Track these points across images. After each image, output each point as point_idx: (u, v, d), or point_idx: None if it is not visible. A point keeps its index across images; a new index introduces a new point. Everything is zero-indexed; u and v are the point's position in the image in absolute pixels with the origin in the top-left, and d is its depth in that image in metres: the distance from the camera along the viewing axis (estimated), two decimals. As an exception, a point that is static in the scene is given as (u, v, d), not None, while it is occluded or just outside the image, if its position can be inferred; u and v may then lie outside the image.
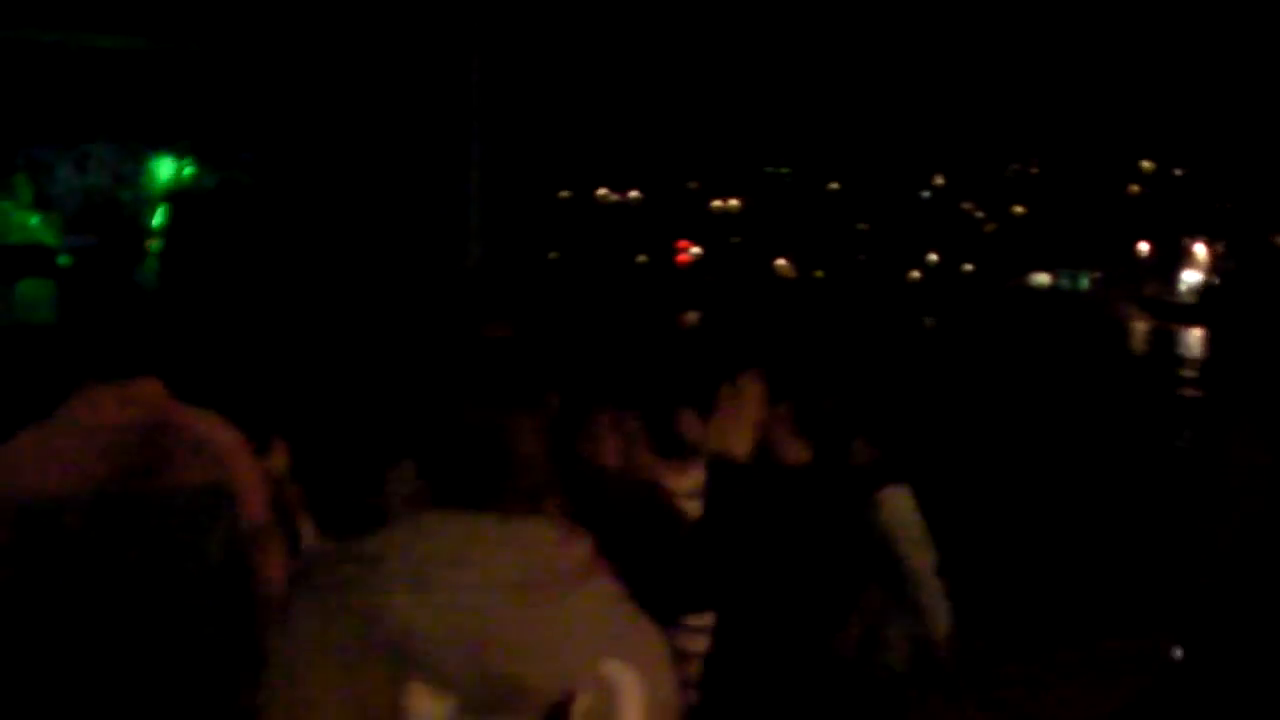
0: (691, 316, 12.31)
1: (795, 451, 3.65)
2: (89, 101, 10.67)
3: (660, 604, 1.91)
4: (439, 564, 1.83)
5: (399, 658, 1.77)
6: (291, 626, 1.96)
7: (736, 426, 2.91)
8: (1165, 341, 28.76)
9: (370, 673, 1.81)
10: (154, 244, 9.90)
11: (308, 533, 2.51)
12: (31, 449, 3.12)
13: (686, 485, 4.14)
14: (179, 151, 10.40)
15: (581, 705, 1.89)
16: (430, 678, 1.75)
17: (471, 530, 1.89)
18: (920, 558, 3.59)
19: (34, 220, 10.60)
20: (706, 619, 2.91)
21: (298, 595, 2.05)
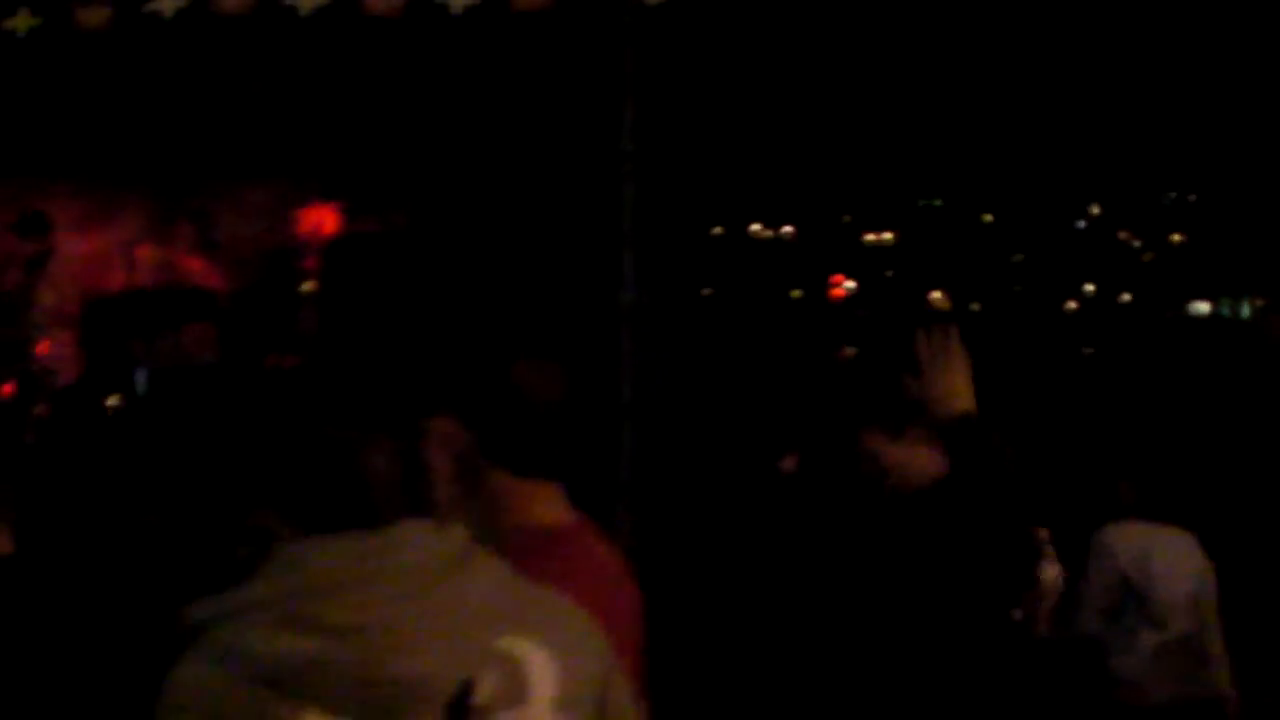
0: (848, 351, 12.22)
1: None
2: (250, 147, 10.93)
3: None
4: (311, 595, 1.89)
5: (285, 693, 1.81)
6: (174, 680, 2.00)
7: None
8: (1333, 370, 27.94)
9: (261, 710, 1.86)
10: (309, 288, 10.08)
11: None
12: None
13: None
14: (336, 197, 10.58)
15: (485, 688, 1.87)
16: (321, 703, 1.80)
17: (341, 549, 1.94)
18: None
19: (197, 265, 10.85)
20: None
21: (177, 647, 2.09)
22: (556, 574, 2.53)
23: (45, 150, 11.78)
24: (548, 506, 2.82)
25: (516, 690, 1.95)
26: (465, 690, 1.88)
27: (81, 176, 12.40)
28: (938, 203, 15.21)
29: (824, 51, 9.08)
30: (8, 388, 9.64)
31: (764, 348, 10.98)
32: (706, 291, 11.62)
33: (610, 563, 2.91)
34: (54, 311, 10.50)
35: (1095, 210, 14.05)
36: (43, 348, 10.31)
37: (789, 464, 5.42)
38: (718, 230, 12.07)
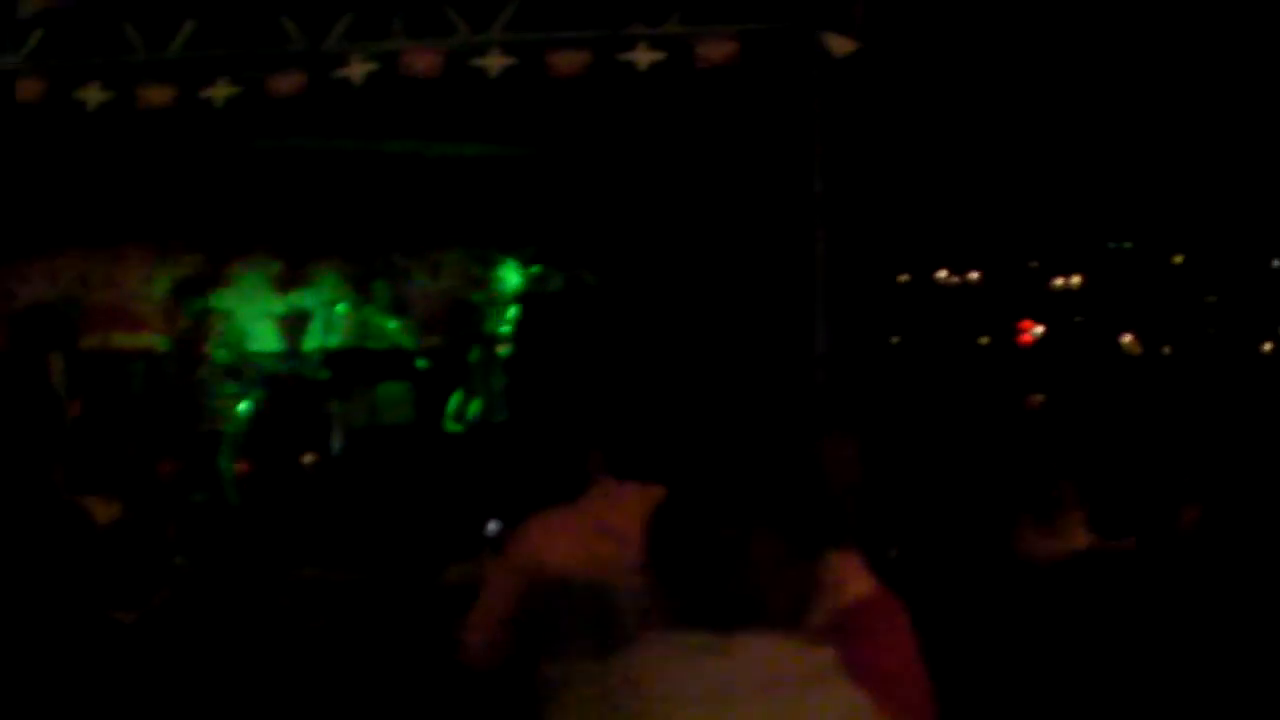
0: (1037, 398, 12.04)
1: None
2: (442, 208, 11.13)
3: None
4: (678, 685, 1.89)
5: None
6: None
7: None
8: None
9: None
10: (503, 349, 10.19)
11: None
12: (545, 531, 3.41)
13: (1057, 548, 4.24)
14: (526, 254, 10.70)
15: None
16: None
17: (704, 648, 1.94)
18: None
19: (392, 325, 11.03)
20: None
21: (556, 697, 2.14)
22: (881, 648, 2.51)
23: (245, 216, 12.10)
24: (856, 577, 2.75)
25: None
26: None
27: (280, 241, 12.70)
28: (1127, 245, 14.88)
29: (1010, 96, 8.98)
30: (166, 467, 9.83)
31: (953, 394, 10.83)
32: (895, 339, 11.51)
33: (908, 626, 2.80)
34: (223, 368, 10.73)
35: (1292, 249, 13.61)
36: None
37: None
38: (904, 278, 11.97)
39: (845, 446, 2.82)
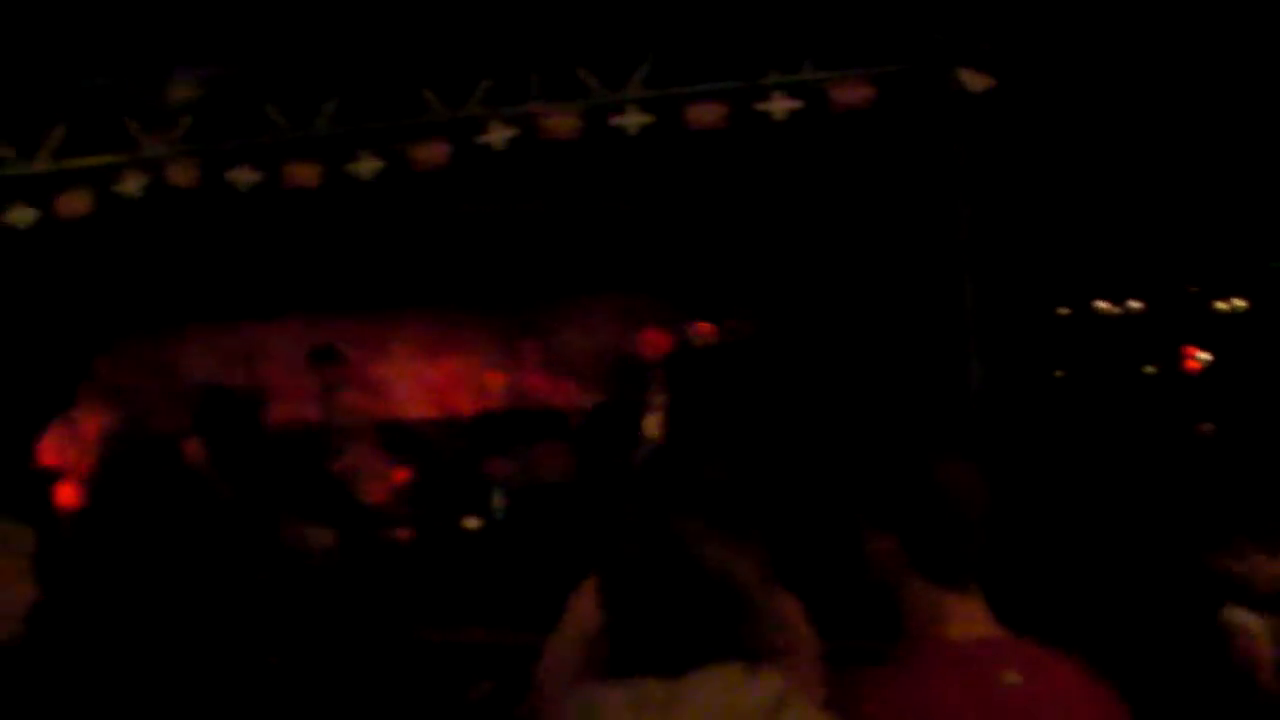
0: (1206, 426, 11.72)
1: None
2: (587, 265, 11.19)
3: None
4: None
5: None
6: None
7: None
8: None
9: None
10: (657, 400, 10.20)
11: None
12: None
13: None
14: (676, 307, 10.73)
15: None
16: None
17: (631, 698, 1.89)
18: None
19: (543, 383, 11.11)
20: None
21: None
22: (954, 698, 2.43)
23: (395, 281, 12.26)
24: (966, 620, 2.66)
25: None
26: None
27: (430, 304, 12.84)
28: (1291, 264, 14.47)
29: (1157, 117, 8.79)
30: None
31: (1121, 427, 10.60)
32: (1058, 373, 11.29)
33: (1035, 691, 2.67)
34: (355, 435, 10.83)
35: None
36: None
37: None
38: (1064, 311, 11.74)
39: (965, 474, 2.72)
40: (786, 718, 1.95)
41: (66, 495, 10.70)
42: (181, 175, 8.46)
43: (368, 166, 8.36)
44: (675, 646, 1.99)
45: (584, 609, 3.89)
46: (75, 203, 8.51)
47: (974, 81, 7.30)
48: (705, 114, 7.75)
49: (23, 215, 8.64)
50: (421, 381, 12.87)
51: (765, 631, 2.09)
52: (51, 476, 10.77)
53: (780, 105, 7.59)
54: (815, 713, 2.01)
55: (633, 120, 7.83)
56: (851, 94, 7.53)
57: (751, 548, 2.12)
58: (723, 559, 2.05)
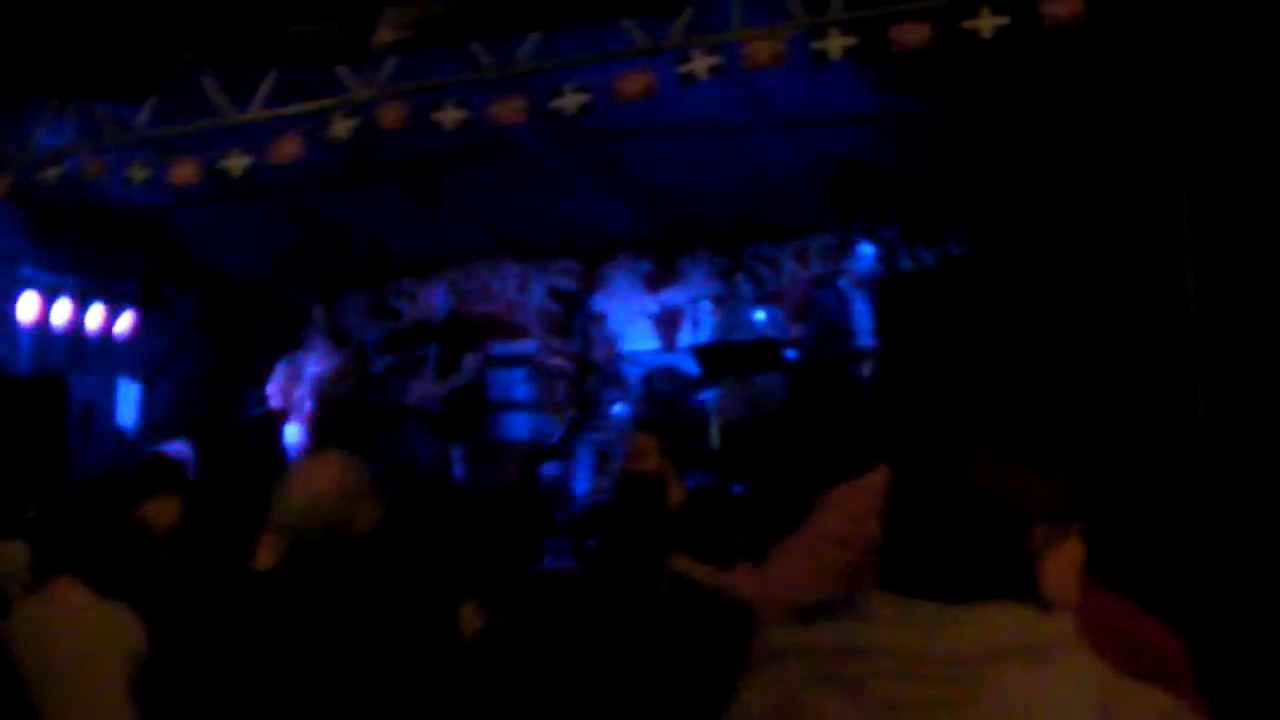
0: None
1: None
2: (808, 194, 11.03)
3: None
4: (863, 656, 1.78)
5: None
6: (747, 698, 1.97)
7: None
8: None
9: None
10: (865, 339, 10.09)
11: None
12: None
13: None
14: (888, 235, 10.49)
15: None
16: None
17: (913, 617, 1.80)
18: None
19: (760, 315, 10.99)
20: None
21: (762, 668, 2.01)
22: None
23: (612, 218, 12.28)
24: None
25: None
26: None
27: (647, 239, 12.85)
28: None
29: None
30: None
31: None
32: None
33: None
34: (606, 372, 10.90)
35: None
36: None
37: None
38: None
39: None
40: (1071, 662, 1.87)
41: (292, 434, 10.99)
42: (389, 117, 8.54)
43: (572, 100, 8.34)
44: (953, 575, 1.92)
45: (825, 521, 3.86)
46: (286, 148, 8.65)
47: (1188, -9, 6.99)
48: (910, 34, 7.54)
49: (239, 162, 8.82)
50: (643, 314, 12.91)
51: (1045, 577, 1.99)
52: (277, 417, 11.07)
53: (988, 22, 7.34)
54: (1092, 657, 1.91)
55: (835, 44, 7.66)
56: (1062, 7, 7.24)
57: (1050, 486, 2.02)
58: (1015, 488, 1.97)
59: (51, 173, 9.32)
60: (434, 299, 11.80)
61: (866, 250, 10.48)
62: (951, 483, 1.94)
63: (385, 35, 8.52)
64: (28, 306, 11.19)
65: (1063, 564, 1.99)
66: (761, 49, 7.88)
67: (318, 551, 3.42)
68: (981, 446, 2.00)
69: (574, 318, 11.68)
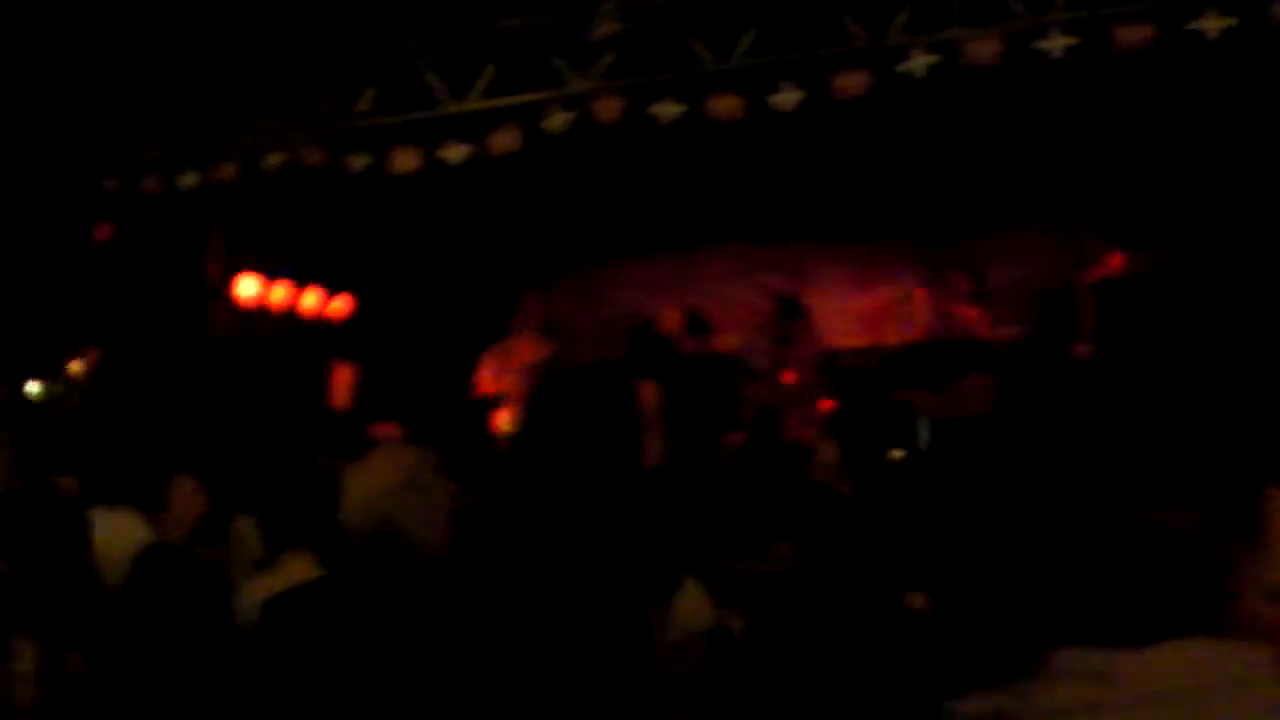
0: None
1: None
2: (1014, 194, 10.88)
3: None
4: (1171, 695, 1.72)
5: None
6: None
7: None
8: None
9: None
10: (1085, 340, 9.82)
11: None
12: None
13: None
14: (1105, 235, 10.25)
15: None
16: None
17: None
18: None
19: (971, 315, 10.85)
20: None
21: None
22: None
23: (821, 212, 12.24)
24: None
25: None
26: None
27: (854, 235, 12.79)
28: None
29: None
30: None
31: None
32: None
33: None
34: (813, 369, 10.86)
35: None
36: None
37: None
38: None
39: None
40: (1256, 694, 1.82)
41: (501, 421, 11.14)
42: (606, 110, 8.62)
43: (789, 97, 8.34)
44: (1142, 615, 1.88)
45: None
46: (505, 139, 8.78)
47: None
48: (1133, 34, 7.42)
49: (457, 152, 8.97)
50: (849, 311, 12.85)
51: (1245, 603, 1.92)
52: (488, 403, 11.23)
53: (1214, 23, 7.18)
54: None
55: (1057, 43, 7.55)
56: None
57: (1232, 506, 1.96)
58: (1186, 520, 1.92)
59: (274, 160, 9.58)
60: (645, 290, 11.86)
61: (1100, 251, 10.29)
62: (1148, 519, 1.89)
63: (603, 28, 8.59)
64: (249, 287, 11.52)
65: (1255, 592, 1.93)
66: (981, 48, 7.81)
67: (377, 548, 3.29)
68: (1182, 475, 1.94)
69: (785, 313, 11.62)
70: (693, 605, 4.82)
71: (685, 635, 4.67)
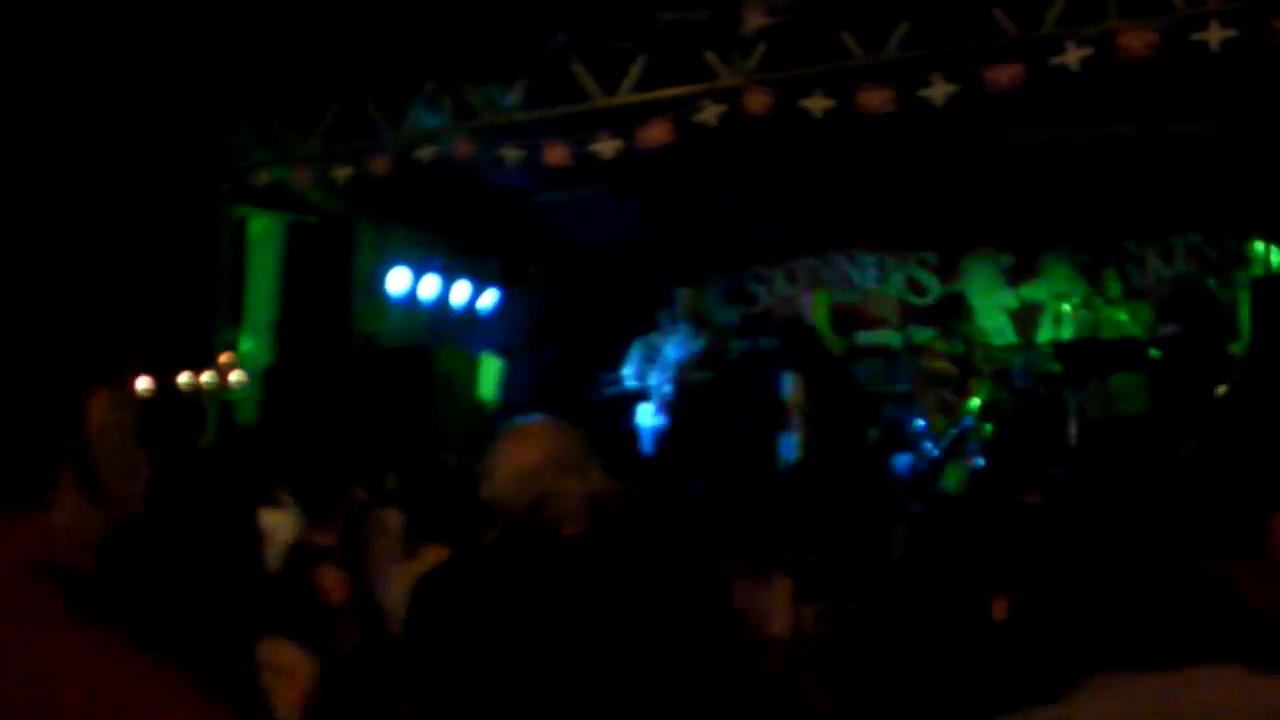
0: None
1: None
2: (1174, 190, 10.66)
3: None
4: None
5: None
6: None
7: None
8: None
9: None
10: (1237, 345, 9.56)
11: None
12: None
13: None
14: (1264, 233, 10.07)
15: None
16: None
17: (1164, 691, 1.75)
18: None
19: (1122, 315, 10.69)
20: None
21: None
22: None
23: (973, 211, 12.13)
24: None
25: None
26: None
27: (1009, 234, 12.66)
28: None
29: None
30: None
31: None
32: None
33: None
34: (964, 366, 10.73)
35: None
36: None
37: None
38: None
39: None
40: None
41: (644, 416, 11.18)
42: (756, 103, 8.62)
43: (940, 91, 8.28)
44: (1176, 641, 1.90)
45: None
46: (655, 132, 8.81)
47: None
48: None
49: (608, 145, 9.02)
50: (1002, 309, 12.74)
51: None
52: (632, 398, 11.28)
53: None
54: None
55: (1215, 35, 7.42)
56: None
57: None
58: None
59: (426, 153, 9.70)
60: (791, 286, 11.85)
61: (1257, 247, 10.09)
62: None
63: (753, 21, 8.59)
64: (398, 280, 11.67)
65: None
66: (1136, 40, 7.69)
67: (524, 526, 3.26)
68: None
69: (944, 311, 11.48)
70: (778, 601, 4.82)
71: (770, 630, 4.67)
